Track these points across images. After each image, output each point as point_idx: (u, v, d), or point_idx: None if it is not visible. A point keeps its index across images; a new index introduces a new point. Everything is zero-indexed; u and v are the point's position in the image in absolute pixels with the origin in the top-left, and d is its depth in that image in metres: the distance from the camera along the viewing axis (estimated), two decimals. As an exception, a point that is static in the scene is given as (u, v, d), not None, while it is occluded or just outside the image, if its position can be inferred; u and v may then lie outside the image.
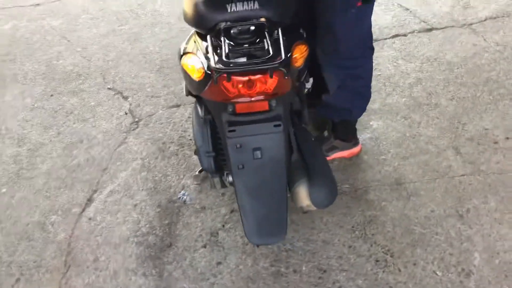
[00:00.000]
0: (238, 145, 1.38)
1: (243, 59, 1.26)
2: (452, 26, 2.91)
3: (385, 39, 2.87)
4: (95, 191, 2.03)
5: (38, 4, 3.57)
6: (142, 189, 2.02)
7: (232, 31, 1.31)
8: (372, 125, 2.27)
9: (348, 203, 1.91)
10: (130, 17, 3.32)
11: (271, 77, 1.22)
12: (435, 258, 1.70)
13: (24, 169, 2.15)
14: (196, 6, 1.36)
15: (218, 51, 1.29)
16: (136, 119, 2.41)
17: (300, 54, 1.39)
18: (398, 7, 3.15)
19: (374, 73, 2.60)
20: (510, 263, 1.67)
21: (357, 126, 2.23)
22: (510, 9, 3.03)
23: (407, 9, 3.12)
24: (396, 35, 2.90)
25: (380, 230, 1.81)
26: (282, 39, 1.28)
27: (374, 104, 2.38)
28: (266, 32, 1.28)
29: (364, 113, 2.32)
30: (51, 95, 2.62)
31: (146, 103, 2.51)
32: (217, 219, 1.87)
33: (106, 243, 1.81)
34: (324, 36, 1.71)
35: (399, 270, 1.68)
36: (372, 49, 1.82)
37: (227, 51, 1.25)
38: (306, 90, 2.33)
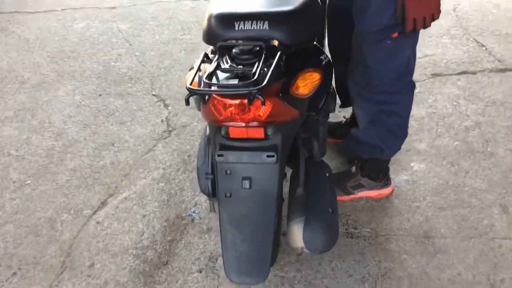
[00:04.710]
0: (228, 171, 1.28)
1: (235, 81, 1.16)
2: (531, 68, 2.59)
3: (450, 75, 2.62)
4: (110, 195, 2.02)
5: (114, 7, 3.73)
6: (155, 200, 1.97)
7: (233, 51, 1.22)
8: (412, 167, 2.06)
9: (364, 250, 1.72)
10: (194, 28, 3.35)
11: (250, 104, 1.10)
12: (451, 332, 1.47)
13: (52, 164, 2.19)
14: (207, 21, 1.30)
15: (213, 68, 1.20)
16: (170, 128, 2.39)
17: (310, 81, 1.25)
18: (473, 42, 2.87)
19: (429, 110, 2.39)
20: None
21: (396, 165, 2.04)
22: None
23: (483, 46, 2.83)
24: (464, 72, 2.63)
25: (393, 286, 1.60)
26: (279, 63, 1.17)
27: (420, 143, 2.17)
28: (263, 54, 1.17)
29: (406, 152, 2.13)
30: (100, 95, 2.69)
31: (184, 113, 2.49)
32: (219, 244, 1.75)
33: (105, 251, 1.78)
34: (356, 66, 1.56)
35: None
36: (413, 84, 1.63)
37: (211, 70, 1.15)
38: (344, 120, 2.18)
